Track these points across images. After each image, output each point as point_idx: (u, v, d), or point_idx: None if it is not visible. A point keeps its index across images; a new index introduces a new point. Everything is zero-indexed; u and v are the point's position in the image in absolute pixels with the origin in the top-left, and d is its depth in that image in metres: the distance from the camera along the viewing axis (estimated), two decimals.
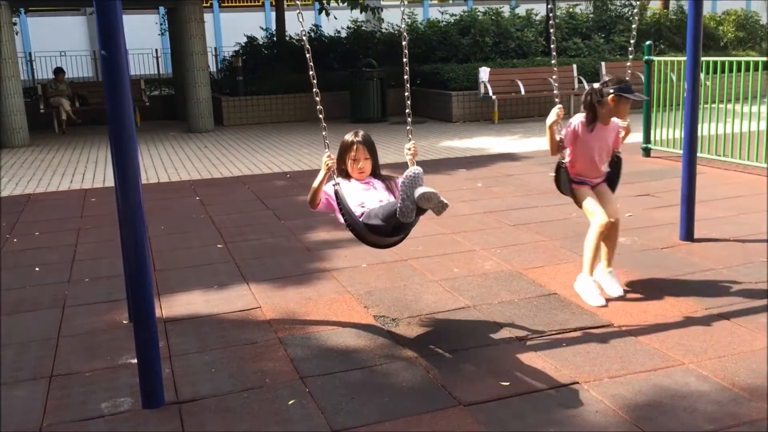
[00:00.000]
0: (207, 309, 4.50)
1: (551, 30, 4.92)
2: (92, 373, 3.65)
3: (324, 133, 3.92)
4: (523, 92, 13.65)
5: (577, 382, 3.36)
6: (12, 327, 4.32)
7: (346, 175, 4.04)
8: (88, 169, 10.04)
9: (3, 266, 5.57)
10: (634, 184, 7.63)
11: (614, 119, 4.47)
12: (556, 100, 4.55)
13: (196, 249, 5.86)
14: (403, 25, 4.26)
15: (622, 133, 4.56)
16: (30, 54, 20.41)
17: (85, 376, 3.63)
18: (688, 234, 5.52)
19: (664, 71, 9.26)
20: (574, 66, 14.40)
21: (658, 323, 4.01)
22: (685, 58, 5.76)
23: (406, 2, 4.23)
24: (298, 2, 3.98)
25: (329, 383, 3.45)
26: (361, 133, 4.05)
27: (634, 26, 4.94)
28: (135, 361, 3.43)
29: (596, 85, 4.41)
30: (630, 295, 4.44)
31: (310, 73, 3.91)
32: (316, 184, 3.90)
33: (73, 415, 3.25)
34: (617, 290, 4.45)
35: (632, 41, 4.82)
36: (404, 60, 4.06)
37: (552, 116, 4.40)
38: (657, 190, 7.33)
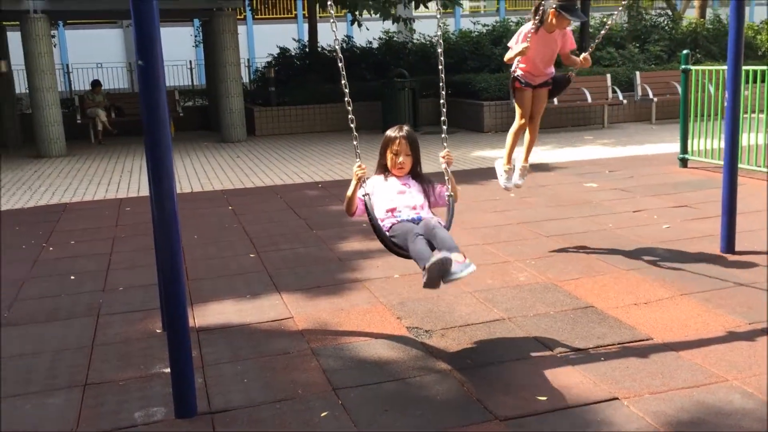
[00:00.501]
0: (239, 318, 4.49)
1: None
2: (126, 382, 3.66)
3: (355, 142, 3.91)
4: (555, 102, 13.50)
5: (617, 398, 3.28)
6: (47, 335, 4.36)
7: (385, 171, 3.99)
8: (123, 179, 10.16)
9: (40, 274, 5.64)
10: (671, 195, 7.49)
11: (567, 29, 5.18)
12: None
13: (229, 258, 5.87)
14: (438, 32, 4.28)
15: (579, 60, 5.25)
16: (67, 66, 20.79)
17: (119, 384, 3.63)
18: (729, 246, 5.38)
19: (701, 81, 9.09)
20: (608, 75, 14.24)
21: (700, 338, 3.90)
22: (723, 67, 5.65)
23: (440, 12, 4.25)
24: (332, 11, 3.97)
25: (362, 395, 3.41)
26: (405, 128, 3.99)
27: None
28: (168, 370, 3.42)
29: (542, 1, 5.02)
30: (670, 309, 4.34)
31: (343, 82, 3.90)
32: (349, 193, 3.90)
33: (107, 424, 3.25)
34: (518, 180, 5.61)
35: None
36: (440, 68, 4.07)
37: (519, 49, 5.05)
38: (695, 202, 7.17)
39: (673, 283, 4.77)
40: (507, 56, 5.22)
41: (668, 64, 15.64)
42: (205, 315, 4.58)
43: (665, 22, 17.64)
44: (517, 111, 5.47)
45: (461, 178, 8.97)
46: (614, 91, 14.12)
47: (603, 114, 14.18)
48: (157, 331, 4.31)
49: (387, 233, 3.76)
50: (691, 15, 20.18)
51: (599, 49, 15.99)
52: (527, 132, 5.55)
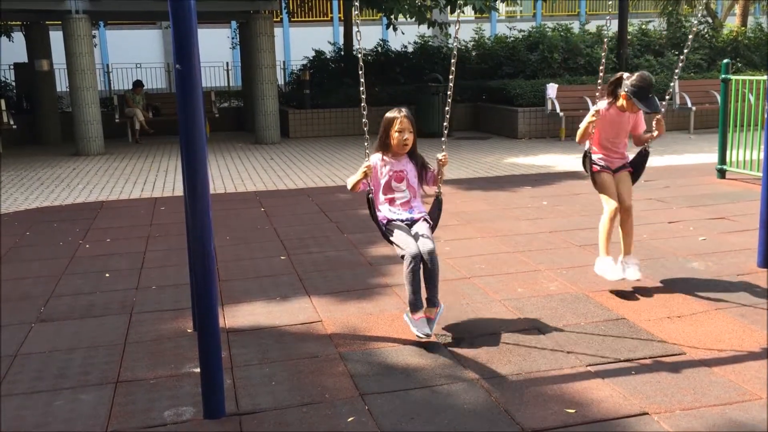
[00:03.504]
0: (269, 321, 4.52)
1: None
2: (156, 381, 3.70)
3: (366, 144, 4.18)
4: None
5: (647, 413, 3.23)
6: (82, 331, 4.44)
7: (387, 150, 4.28)
8: (159, 178, 10.31)
9: (76, 271, 5.74)
10: (708, 207, 7.36)
11: (638, 113, 4.80)
12: (597, 101, 4.84)
13: (260, 260, 5.91)
14: (455, 43, 4.49)
15: (656, 134, 4.78)
16: (107, 65, 21.16)
17: (150, 383, 3.68)
18: (766, 261, 5.27)
19: (741, 90, 8.92)
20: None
21: (734, 354, 3.82)
22: (763, 77, 5.53)
23: (459, 19, 4.46)
24: (357, 21, 4.16)
25: (389, 402, 3.41)
26: (404, 109, 4.29)
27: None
28: (198, 370, 3.46)
29: (625, 75, 4.69)
30: (704, 324, 4.26)
31: (361, 89, 4.16)
32: (354, 180, 4.23)
33: (137, 422, 3.30)
34: (635, 274, 4.71)
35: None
36: (450, 77, 4.27)
37: (592, 111, 4.74)
38: (733, 214, 7.04)
39: (707, 297, 4.69)
40: (578, 134, 4.85)
41: (708, 72, 15.40)
42: (236, 316, 4.62)
43: (705, 30, 17.36)
44: (603, 199, 4.88)
45: (494, 185, 8.94)
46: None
47: None
48: (188, 330, 4.36)
49: (384, 226, 4.22)
50: (732, 23, 19.83)
51: (637, 57, 15.81)
52: (620, 219, 4.89)
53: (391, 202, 4.31)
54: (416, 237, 4.13)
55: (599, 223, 4.87)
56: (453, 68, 4.20)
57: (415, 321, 4.06)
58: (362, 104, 4.08)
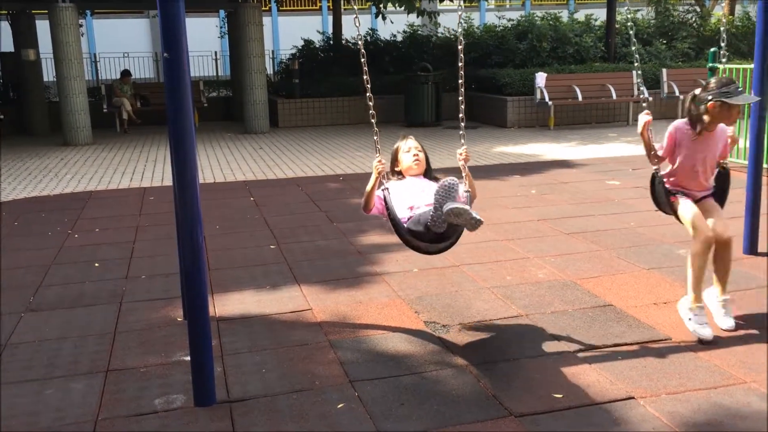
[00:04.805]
0: (259, 309, 4.54)
1: (631, 32, 4.77)
2: (146, 369, 3.72)
3: (376, 137, 3.94)
4: (580, 98, 13.42)
5: (633, 397, 3.27)
6: (71, 321, 4.44)
7: (400, 176, 4.07)
8: (148, 168, 10.28)
9: (65, 261, 5.73)
10: None
11: (721, 125, 4.06)
12: (644, 104, 4.24)
13: (250, 249, 5.92)
14: (459, 30, 4.27)
15: (729, 141, 4.17)
16: (95, 55, 21.02)
17: (140, 371, 3.70)
18: (752, 247, 5.34)
19: None
20: (634, 72, 14.10)
21: (719, 339, 3.87)
22: (750, 66, 5.57)
23: (462, 6, 4.21)
24: (355, 8, 4.03)
25: (378, 388, 3.44)
26: (410, 136, 4.15)
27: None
28: (188, 358, 3.48)
29: (697, 91, 4.02)
30: None
31: (365, 77, 3.95)
32: (368, 188, 3.89)
33: (127, 410, 3.31)
34: (728, 322, 3.97)
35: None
36: (460, 65, 4.07)
37: (640, 123, 4.06)
38: None
39: None
40: (647, 151, 4.12)
41: (695, 61, 15.46)
42: (226, 305, 4.63)
43: (693, 19, 17.41)
44: (688, 226, 3.98)
45: (483, 174, 8.96)
46: (639, 88, 13.98)
47: (628, 111, 14.06)
48: (178, 319, 4.37)
49: (405, 225, 3.79)
50: (720, 12, 19.89)
51: (625, 46, 15.84)
52: (715, 252, 4.02)
53: (413, 208, 3.90)
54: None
55: (688, 257, 3.98)
56: (461, 54, 4.00)
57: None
58: (368, 94, 3.94)
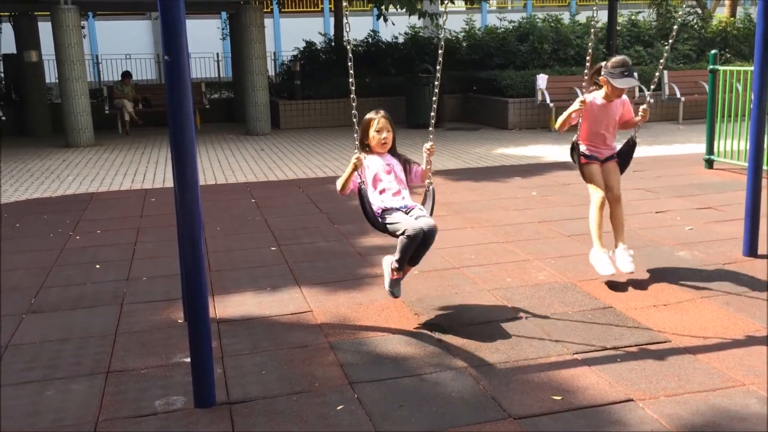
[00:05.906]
0: (259, 311, 4.55)
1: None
2: (147, 371, 3.73)
3: (356, 135, 4.28)
4: None
5: (632, 400, 3.28)
6: (72, 322, 4.45)
7: (369, 151, 4.38)
8: (149, 170, 10.29)
9: (66, 262, 5.75)
10: (695, 197, 7.43)
11: (625, 97, 4.89)
12: (585, 92, 4.89)
13: (251, 251, 5.93)
14: (442, 34, 4.57)
15: (638, 119, 4.89)
16: (97, 56, 21.06)
17: (140, 373, 3.71)
18: (751, 250, 5.34)
19: (729, 81, 8.98)
20: (635, 74, 14.10)
21: (719, 341, 3.88)
22: (751, 68, 5.58)
23: (446, 10, 4.45)
24: (346, 13, 4.14)
25: (378, 390, 3.44)
26: (381, 110, 4.42)
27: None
28: (188, 360, 3.49)
29: (603, 63, 4.78)
30: (690, 312, 4.32)
31: (350, 80, 4.18)
32: (345, 177, 4.23)
33: (128, 411, 3.32)
34: (628, 266, 4.68)
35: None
36: (438, 67, 4.36)
37: (576, 105, 4.72)
38: (720, 204, 7.11)
39: (693, 285, 4.75)
40: (558, 121, 4.85)
41: (697, 63, 15.46)
42: (226, 306, 4.64)
43: (694, 21, 17.42)
44: (590, 188, 4.92)
45: (484, 176, 8.98)
46: (641, 90, 13.98)
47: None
48: (179, 321, 4.38)
49: (378, 218, 4.23)
50: (721, 14, 19.89)
51: (626, 47, 15.85)
52: (610, 209, 4.92)
53: (383, 193, 4.34)
54: (417, 219, 4.17)
55: (589, 215, 4.91)
56: (440, 59, 4.27)
57: (392, 280, 4.28)
58: (351, 95, 4.13)
